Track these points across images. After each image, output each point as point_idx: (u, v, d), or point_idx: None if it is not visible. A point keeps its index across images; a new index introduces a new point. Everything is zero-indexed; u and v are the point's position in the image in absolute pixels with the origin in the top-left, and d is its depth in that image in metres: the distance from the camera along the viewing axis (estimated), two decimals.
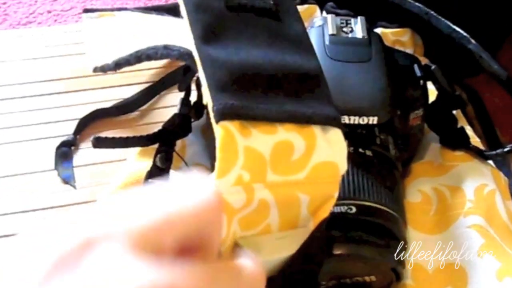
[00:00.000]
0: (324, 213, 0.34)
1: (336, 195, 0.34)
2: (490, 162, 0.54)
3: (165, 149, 0.50)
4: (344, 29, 0.47)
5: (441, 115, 0.52)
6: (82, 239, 0.20)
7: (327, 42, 0.46)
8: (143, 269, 0.19)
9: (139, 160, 0.52)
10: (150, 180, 0.48)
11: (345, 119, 0.42)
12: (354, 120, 0.43)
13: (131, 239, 0.20)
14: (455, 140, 0.53)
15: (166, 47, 0.42)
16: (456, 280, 0.45)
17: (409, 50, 0.62)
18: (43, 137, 0.59)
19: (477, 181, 0.51)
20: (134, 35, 0.51)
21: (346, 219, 0.39)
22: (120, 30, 0.54)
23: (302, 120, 0.32)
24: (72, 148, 0.57)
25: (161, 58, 0.43)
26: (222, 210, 0.24)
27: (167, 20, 0.51)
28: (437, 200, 0.51)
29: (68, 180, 0.54)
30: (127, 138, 0.51)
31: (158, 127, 0.55)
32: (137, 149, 0.52)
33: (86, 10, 0.61)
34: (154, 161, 0.49)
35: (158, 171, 0.49)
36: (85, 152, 0.57)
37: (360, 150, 0.43)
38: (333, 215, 0.39)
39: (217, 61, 0.32)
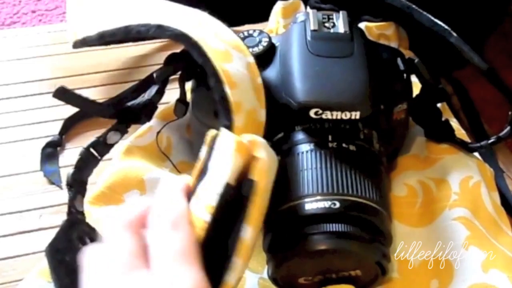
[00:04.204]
0: None
1: None
2: (476, 154, 0.54)
3: (120, 127, 0.47)
4: (326, 24, 0.47)
5: (425, 109, 0.52)
6: None
7: (309, 38, 0.45)
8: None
9: (124, 159, 0.51)
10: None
11: (328, 115, 0.42)
12: (337, 115, 0.42)
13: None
14: (440, 133, 0.53)
15: (160, 26, 0.41)
16: (442, 272, 0.45)
17: (393, 44, 0.62)
18: (28, 138, 0.58)
19: (462, 173, 0.51)
20: (123, 8, 0.48)
21: (329, 215, 0.39)
22: (107, 3, 0.51)
23: None
24: (58, 148, 0.57)
25: (152, 36, 0.42)
26: None
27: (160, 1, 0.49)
28: (422, 193, 0.51)
29: (54, 180, 0.54)
30: (89, 101, 0.48)
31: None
32: (121, 149, 0.52)
33: None
34: (106, 135, 0.46)
35: (104, 146, 0.46)
36: (71, 152, 0.57)
37: (344, 145, 0.42)
38: (316, 210, 0.39)
39: None
